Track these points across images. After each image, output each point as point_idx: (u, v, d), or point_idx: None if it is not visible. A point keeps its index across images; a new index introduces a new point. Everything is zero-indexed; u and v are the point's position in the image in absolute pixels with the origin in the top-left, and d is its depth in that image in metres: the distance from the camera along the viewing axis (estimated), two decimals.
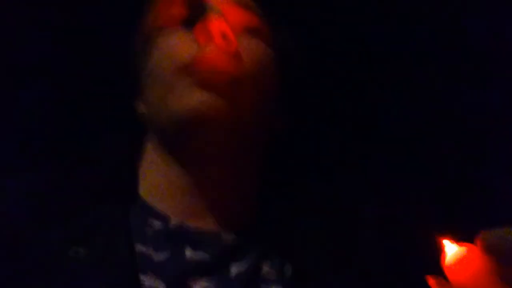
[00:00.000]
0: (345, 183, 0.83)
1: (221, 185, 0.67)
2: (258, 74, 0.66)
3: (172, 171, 0.66)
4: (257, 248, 0.65)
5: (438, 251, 0.46)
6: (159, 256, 0.62)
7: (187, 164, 0.66)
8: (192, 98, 0.62)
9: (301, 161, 0.81)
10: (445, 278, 0.45)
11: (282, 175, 0.73)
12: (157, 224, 0.65)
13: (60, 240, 0.60)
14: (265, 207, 0.69)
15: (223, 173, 0.67)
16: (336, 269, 0.64)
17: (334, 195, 0.76)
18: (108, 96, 0.87)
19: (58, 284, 0.57)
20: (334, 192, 0.77)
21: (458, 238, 0.45)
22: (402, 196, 0.81)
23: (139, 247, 0.62)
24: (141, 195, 0.68)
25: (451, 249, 0.44)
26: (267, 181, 0.71)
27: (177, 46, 0.65)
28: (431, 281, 0.44)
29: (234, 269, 0.63)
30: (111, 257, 0.60)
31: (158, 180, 0.67)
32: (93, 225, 0.62)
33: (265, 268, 0.64)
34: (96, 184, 0.67)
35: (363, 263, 0.66)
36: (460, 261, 0.43)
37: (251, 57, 0.66)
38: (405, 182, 0.85)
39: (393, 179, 0.85)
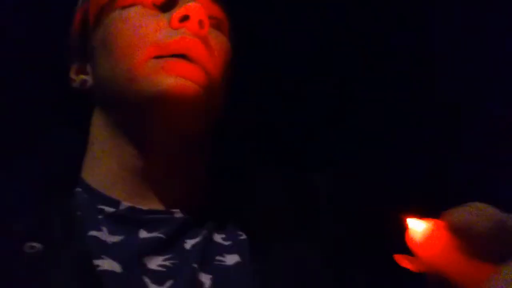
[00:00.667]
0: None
1: (173, 166, 0.67)
2: (224, 63, 0.68)
3: (122, 152, 0.66)
4: (210, 223, 0.65)
5: (402, 228, 0.46)
6: (113, 239, 0.61)
7: (141, 144, 0.65)
8: (164, 78, 0.62)
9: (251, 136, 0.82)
10: (410, 255, 0.45)
11: (231, 152, 0.75)
12: (108, 209, 0.64)
13: (14, 237, 0.58)
14: (216, 184, 0.71)
15: (176, 154, 0.67)
16: (291, 236, 0.65)
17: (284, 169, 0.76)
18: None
19: (18, 281, 0.56)
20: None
21: (422, 215, 0.45)
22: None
23: (93, 233, 0.61)
24: (88, 182, 0.67)
25: (417, 226, 0.44)
26: (216, 158, 0.72)
27: (151, 25, 0.65)
28: (400, 259, 0.44)
29: (188, 243, 0.63)
30: (66, 248, 0.58)
31: (107, 164, 0.67)
32: (45, 219, 0.61)
33: (219, 238, 0.65)
34: (42, 177, 0.66)
35: (318, 228, 0.67)
36: (428, 237, 0.43)
37: (219, 46, 0.68)
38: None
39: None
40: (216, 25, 0.70)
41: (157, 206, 0.66)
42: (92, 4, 0.71)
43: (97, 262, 0.58)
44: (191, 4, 0.64)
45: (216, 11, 0.71)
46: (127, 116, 0.66)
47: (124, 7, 0.67)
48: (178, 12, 0.64)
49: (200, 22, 0.64)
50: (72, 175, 0.68)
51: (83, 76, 0.71)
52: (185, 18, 0.64)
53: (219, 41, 0.68)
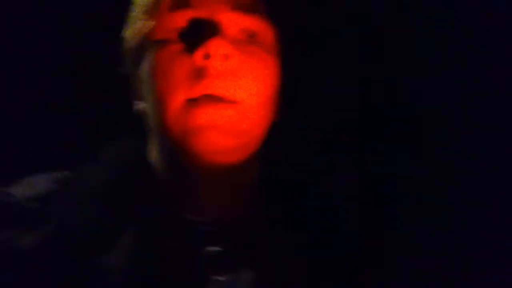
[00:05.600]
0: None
1: (221, 186, 0.69)
2: (262, 80, 0.68)
3: (178, 171, 0.69)
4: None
5: None
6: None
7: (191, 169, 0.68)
8: (189, 120, 0.64)
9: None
10: None
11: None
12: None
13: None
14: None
15: (222, 178, 0.69)
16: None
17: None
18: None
19: None
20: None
21: None
22: None
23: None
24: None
25: None
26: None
27: (174, 63, 0.66)
28: None
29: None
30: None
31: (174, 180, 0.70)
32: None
33: None
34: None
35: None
36: None
37: (255, 65, 0.67)
38: None
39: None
40: (253, 38, 0.68)
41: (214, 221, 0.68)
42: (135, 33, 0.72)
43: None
44: (209, 41, 0.64)
45: (252, 23, 0.69)
46: (168, 146, 0.69)
47: (158, 43, 0.69)
48: (198, 53, 0.65)
49: (224, 56, 0.64)
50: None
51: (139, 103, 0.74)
52: (207, 57, 0.64)
53: (255, 59, 0.67)
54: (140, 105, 0.73)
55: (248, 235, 0.68)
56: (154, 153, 0.71)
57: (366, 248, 0.74)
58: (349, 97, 0.93)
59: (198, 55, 0.64)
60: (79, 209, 0.68)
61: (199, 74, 0.64)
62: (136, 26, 0.71)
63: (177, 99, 0.65)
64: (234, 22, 0.68)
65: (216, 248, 0.67)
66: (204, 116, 0.64)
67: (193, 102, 0.64)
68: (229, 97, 0.65)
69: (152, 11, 0.70)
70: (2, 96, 0.95)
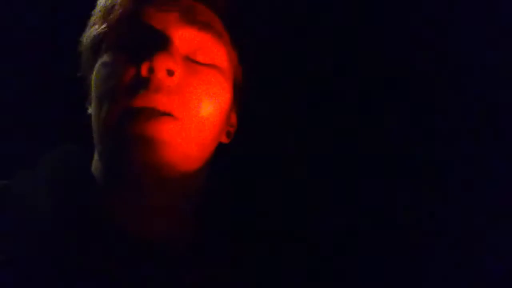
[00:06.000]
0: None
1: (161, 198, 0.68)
2: (208, 94, 0.67)
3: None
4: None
5: None
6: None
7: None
8: (130, 136, 0.63)
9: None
10: None
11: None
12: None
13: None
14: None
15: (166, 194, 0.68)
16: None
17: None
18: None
19: None
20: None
21: None
22: None
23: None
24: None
25: None
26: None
27: (119, 70, 0.65)
28: None
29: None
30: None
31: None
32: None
33: None
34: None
35: None
36: None
37: (197, 94, 0.66)
38: None
39: None
40: (204, 57, 0.68)
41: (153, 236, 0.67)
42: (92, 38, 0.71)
43: None
44: (155, 56, 0.64)
45: (205, 42, 0.68)
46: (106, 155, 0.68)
47: (107, 48, 0.68)
48: (143, 66, 0.64)
49: (168, 71, 0.64)
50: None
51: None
52: (151, 71, 0.64)
53: (202, 78, 0.67)
54: (90, 110, 0.72)
55: (179, 259, 0.67)
56: (96, 160, 0.70)
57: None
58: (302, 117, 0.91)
59: (143, 67, 0.64)
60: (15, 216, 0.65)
61: (141, 85, 0.64)
62: (92, 30, 0.71)
63: (117, 107, 0.64)
64: (187, 38, 0.67)
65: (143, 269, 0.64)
66: (142, 127, 0.63)
67: (132, 112, 0.63)
68: (169, 112, 0.64)
69: (108, 16, 0.69)
70: None
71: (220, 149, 0.72)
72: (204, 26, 0.68)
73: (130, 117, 0.63)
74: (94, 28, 0.70)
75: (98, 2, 0.72)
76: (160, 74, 0.64)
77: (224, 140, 0.75)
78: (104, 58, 0.68)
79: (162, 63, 0.63)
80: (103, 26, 0.69)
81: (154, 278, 0.64)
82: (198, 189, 0.71)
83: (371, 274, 0.78)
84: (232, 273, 0.68)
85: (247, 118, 0.78)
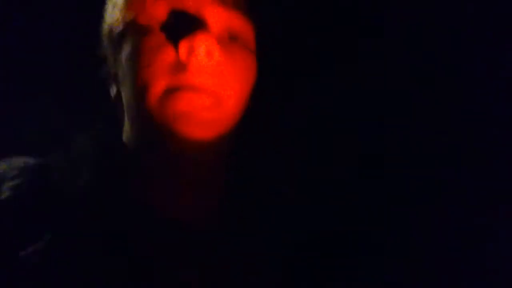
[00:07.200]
0: None
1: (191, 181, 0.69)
2: (242, 80, 0.69)
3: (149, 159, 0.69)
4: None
5: None
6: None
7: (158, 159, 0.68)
8: (169, 106, 0.65)
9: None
10: None
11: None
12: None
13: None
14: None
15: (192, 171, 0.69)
16: None
17: None
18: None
19: None
20: None
21: None
22: None
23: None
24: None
25: None
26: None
27: (156, 53, 0.66)
28: None
29: None
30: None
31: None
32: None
33: None
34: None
35: None
36: None
37: (236, 64, 0.68)
38: None
39: None
40: (235, 36, 0.69)
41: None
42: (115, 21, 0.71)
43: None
44: (194, 35, 0.64)
45: (235, 21, 0.69)
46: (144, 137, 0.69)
47: (140, 30, 0.68)
48: (182, 45, 0.64)
49: (208, 53, 0.65)
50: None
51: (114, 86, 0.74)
52: (191, 50, 0.64)
53: (236, 59, 0.68)
54: (114, 89, 0.73)
55: (209, 233, 0.68)
56: (129, 137, 0.71)
57: (334, 247, 0.74)
58: (323, 100, 0.91)
59: (183, 47, 0.64)
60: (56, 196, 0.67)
61: (181, 67, 0.65)
62: (119, 11, 0.71)
63: (157, 87, 0.65)
64: (219, 18, 0.68)
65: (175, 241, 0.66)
66: (184, 102, 0.64)
67: (174, 90, 0.65)
68: (208, 90, 0.65)
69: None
70: None
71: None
72: (234, 4, 0.69)
73: (172, 95, 0.65)
74: (122, 10, 0.70)
75: None
76: (201, 53, 0.64)
77: None
78: (138, 40, 0.67)
79: (202, 42, 0.64)
80: (133, 7, 0.69)
81: (180, 250, 0.66)
82: (225, 164, 0.73)
83: (371, 274, 0.77)
84: (257, 247, 0.69)
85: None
